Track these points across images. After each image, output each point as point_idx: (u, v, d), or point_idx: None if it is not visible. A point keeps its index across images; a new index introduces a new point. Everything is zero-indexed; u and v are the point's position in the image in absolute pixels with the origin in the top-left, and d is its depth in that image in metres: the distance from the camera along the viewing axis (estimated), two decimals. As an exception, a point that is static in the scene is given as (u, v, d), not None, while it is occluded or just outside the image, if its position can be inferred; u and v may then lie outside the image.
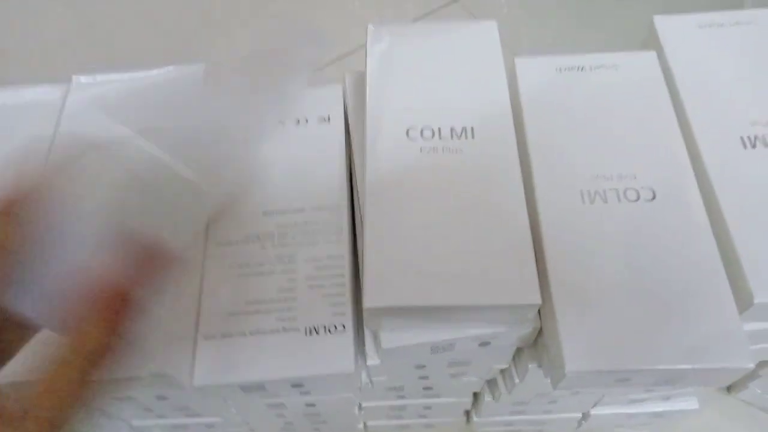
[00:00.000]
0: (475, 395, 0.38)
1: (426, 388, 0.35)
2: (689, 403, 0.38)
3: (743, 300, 0.24)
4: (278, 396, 0.32)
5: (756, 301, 0.24)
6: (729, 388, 0.44)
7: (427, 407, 0.39)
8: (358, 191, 0.31)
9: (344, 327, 0.28)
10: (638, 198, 0.27)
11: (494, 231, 0.25)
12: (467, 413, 0.42)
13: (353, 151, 0.33)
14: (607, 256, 0.25)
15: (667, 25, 0.32)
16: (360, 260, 0.28)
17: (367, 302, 0.24)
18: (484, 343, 0.28)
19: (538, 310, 0.26)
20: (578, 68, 0.32)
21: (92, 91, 0.35)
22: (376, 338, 0.29)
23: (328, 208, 0.31)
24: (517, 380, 0.31)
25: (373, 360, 0.29)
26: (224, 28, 0.77)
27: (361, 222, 0.28)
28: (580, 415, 0.39)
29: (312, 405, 0.35)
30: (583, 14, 0.77)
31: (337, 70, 0.38)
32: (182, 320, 0.29)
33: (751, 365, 0.23)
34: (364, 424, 0.43)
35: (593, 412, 0.38)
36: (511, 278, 0.24)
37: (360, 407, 0.39)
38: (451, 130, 0.29)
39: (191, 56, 0.35)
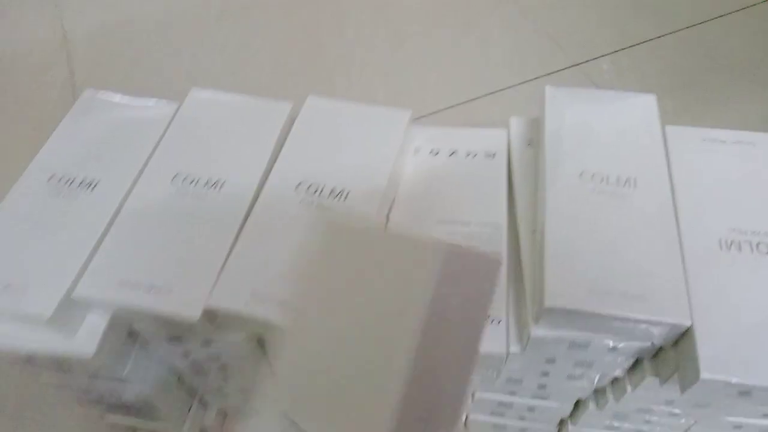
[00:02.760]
0: (577, 405, 0.44)
1: (540, 387, 0.41)
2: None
3: None
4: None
5: None
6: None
7: (531, 409, 0.45)
8: (518, 214, 0.38)
9: (499, 322, 0.35)
10: (770, 252, 0.33)
11: (653, 261, 0.32)
12: (562, 422, 0.47)
13: (514, 183, 0.40)
14: (741, 290, 0.31)
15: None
16: (523, 269, 0.35)
17: (548, 302, 0.31)
18: (613, 348, 0.34)
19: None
20: (720, 141, 0.39)
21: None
22: (521, 331, 0.35)
23: (490, 225, 0.38)
24: (629, 389, 0.37)
25: (514, 347, 0.35)
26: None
27: (533, 238, 0.35)
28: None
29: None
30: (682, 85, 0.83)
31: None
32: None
33: None
34: (466, 416, 0.49)
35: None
36: (667, 300, 0.30)
37: (473, 397, 0.45)
38: (618, 178, 0.36)
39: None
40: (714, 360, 0.29)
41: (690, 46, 0.91)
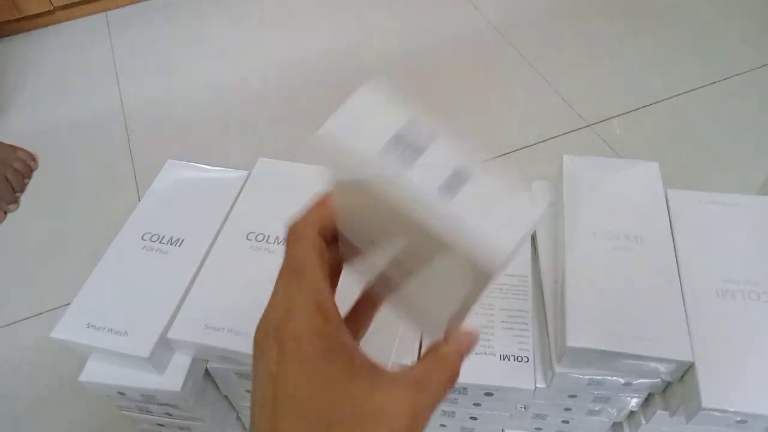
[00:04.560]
0: (598, 440, 0.48)
1: (564, 422, 0.46)
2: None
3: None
4: (455, 403, 0.44)
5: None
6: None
7: (556, 444, 0.50)
8: (541, 266, 0.44)
9: (527, 361, 0.40)
10: (759, 299, 0.38)
11: (658, 307, 0.38)
12: (586, 457, 0.51)
13: (537, 239, 0.46)
14: (735, 331, 0.37)
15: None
16: (547, 314, 0.41)
17: (570, 342, 0.37)
18: (627, 384, 0.39)
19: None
20: (716, 202, 0.45)
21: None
22: (545, 369, 0.41)
23: (517, 276, 0.44)
24: (643, 421, 0.42)
25: (540, 384, 0.41)
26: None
27: (555, 287, 0.41)
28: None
29: (474, 418, 0.46)
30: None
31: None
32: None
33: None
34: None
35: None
36: (671, 340, 0.36)
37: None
38: (626, 235, 0.42)
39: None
40: (714, 391, 0.34)
41: (701, 106, 0.97)
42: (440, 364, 0.24)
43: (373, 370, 0.22)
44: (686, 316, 0.38)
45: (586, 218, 0.43)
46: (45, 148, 1.02)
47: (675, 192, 0.46)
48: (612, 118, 0.97)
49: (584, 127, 0.95)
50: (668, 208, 0.44)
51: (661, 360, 0.36)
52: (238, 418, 0.54)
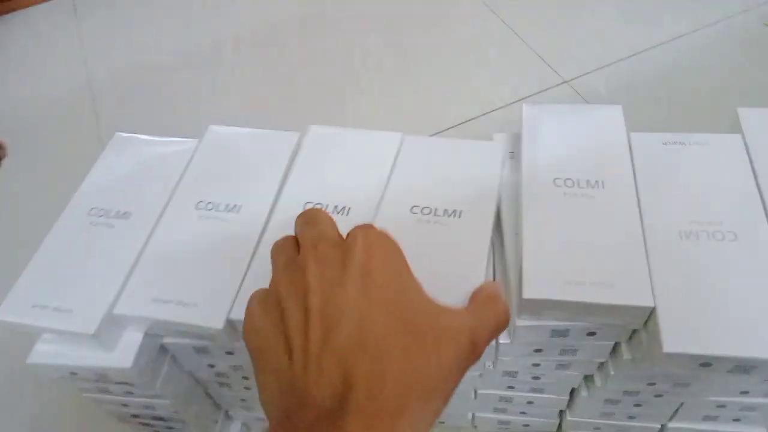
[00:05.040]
0: (572, 394, 0.47)
1: (535, 378, 0.45)
2: (759, 429, 0.45)
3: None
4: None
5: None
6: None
7: (530, 402, 0.49)
8: (503, 219, 0.43)
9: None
10: (723, 239, 0.36)
11: (618, 255, 0.36)
12: (561, 413, 0.50)
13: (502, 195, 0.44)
14: (699, 273, 0.35)
15: (749, 116, 0.43)
16: (509, 269, 0.39)
17: (526, 294, 0.35)
18: (591, 333, 0.38)
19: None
20: (679, 143, 0.43)
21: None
22: (509, 324, 0.39)
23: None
24: (612, 372, 0.41)
25: (504, 339, 0.40)
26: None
27: (516, 240, 0.40)
28: (659, 426, 0.47)
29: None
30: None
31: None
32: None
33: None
34: (473, 414, 0.53)
35: (670, 425, 0.46)
36: (632, 286, 0.35)
37: (476, 394, 0.49)
38: (587, 182, 0.40)
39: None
40: (676, 335, 0.33)
41: (679, 56, 0.95)
42: (490, 302, 0.29)
43: (436, 302, 0.27)
44: (648, 260, 0.36)
45: (545, 167, 0.41)
46: (13, 135, 0.99)
47: (638, 135, 0.44)
48: (590, 72, 0.94)
49: (561, 83, 0.93)
50: (631, 151, 0.42)
51: (621, 307, 0.34)
52: (207, 394, 0.53)
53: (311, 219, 0.31)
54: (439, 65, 1.00)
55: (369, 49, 1.05)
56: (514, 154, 0.46)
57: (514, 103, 0.91)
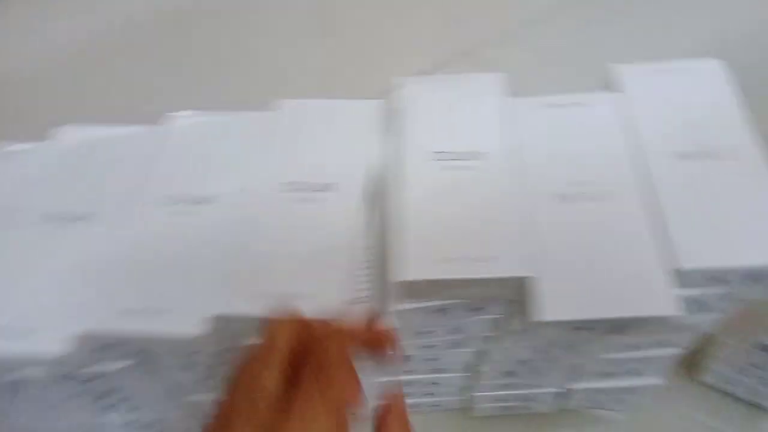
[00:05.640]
0: (474, 371, 0.46)
1: (431, 359, 0.43)
2: (656, 379, 0.45)
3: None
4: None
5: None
6: (691, 372, 0.50)
7: (434, 383, 0.47)
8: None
9: (366, 300, 0.36)
10: (603, 199, 0.36)
11: (495, 226, 0.35)
12: (468, 390, 0.49)
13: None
14: (577, 236, 0.34)
15: (621, 72, 0.42)
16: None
17: (398, 277, 0.33)
18: (477, 308, 0.36)
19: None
20: (558, 105, 0.42)
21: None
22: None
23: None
24: (506, 345, 0.39)
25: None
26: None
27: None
28: (564, 390, 0.46)
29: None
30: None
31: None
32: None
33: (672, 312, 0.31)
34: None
35: (574, 386, 0.46)
36: (508, 257, 0.33)
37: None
38: (466, 154, 0.38)
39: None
40: (552, 302, 0.32)
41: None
42: None
43: None
44: (526, 228, 0.35)
45: (422, 142, 0.40)
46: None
47: (517, 100, 0.43)
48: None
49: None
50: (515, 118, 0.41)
51: (495, 280, 0.33)
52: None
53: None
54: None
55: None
56: (392, 130, 0.44)
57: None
